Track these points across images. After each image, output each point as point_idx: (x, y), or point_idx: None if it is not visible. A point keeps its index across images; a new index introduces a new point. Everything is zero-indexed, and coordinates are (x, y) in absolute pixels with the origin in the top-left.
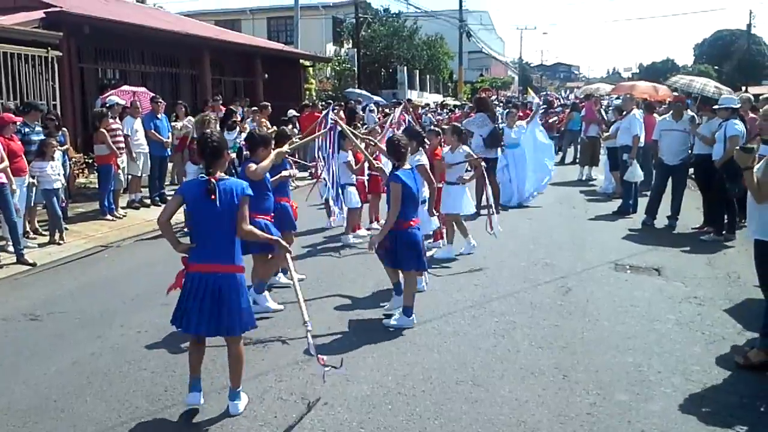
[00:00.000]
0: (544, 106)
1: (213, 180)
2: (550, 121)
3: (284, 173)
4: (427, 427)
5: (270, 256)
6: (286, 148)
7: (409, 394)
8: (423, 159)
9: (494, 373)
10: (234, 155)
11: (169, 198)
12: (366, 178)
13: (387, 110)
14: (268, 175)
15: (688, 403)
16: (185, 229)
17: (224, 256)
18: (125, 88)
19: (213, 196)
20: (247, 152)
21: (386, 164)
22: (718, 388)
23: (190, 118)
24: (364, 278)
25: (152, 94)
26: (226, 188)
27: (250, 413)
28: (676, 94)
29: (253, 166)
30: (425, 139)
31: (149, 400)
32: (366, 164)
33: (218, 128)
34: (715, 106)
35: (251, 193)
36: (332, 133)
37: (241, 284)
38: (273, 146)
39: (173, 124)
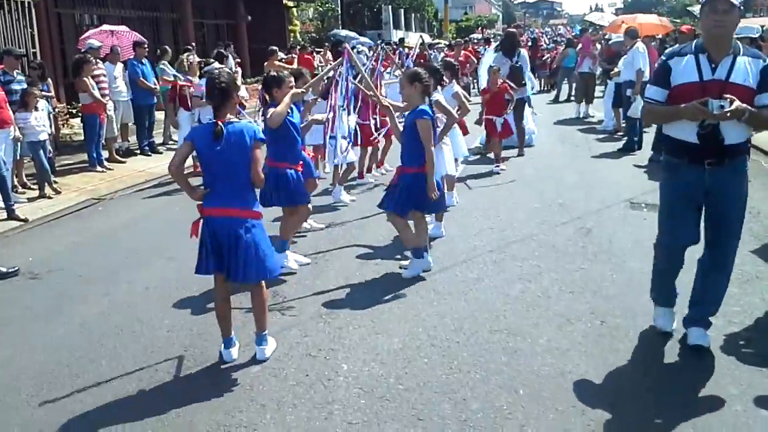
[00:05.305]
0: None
1: (220, 123)
2: (543, 58)
3: (318, 116)
4: (469, 382)
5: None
6: (301, 89)
7: (444, 346)
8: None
9: (528, 321)
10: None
11: (159, 147)
12: (374, 122)
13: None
14: (296, 119)
15: (730, 345)
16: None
17: (237, 200)
18: (105, 27)
19: (219, 140)
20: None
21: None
22: (760, 329)
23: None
24: (377, 226)
25: (136, 36)
26: (236, 131)
27: (279, 372)
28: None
29: (271, 111)
30: (443, 78)
31: (168, 362)
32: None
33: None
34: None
35: (263, 137)
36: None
37: (257, 230)
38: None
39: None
